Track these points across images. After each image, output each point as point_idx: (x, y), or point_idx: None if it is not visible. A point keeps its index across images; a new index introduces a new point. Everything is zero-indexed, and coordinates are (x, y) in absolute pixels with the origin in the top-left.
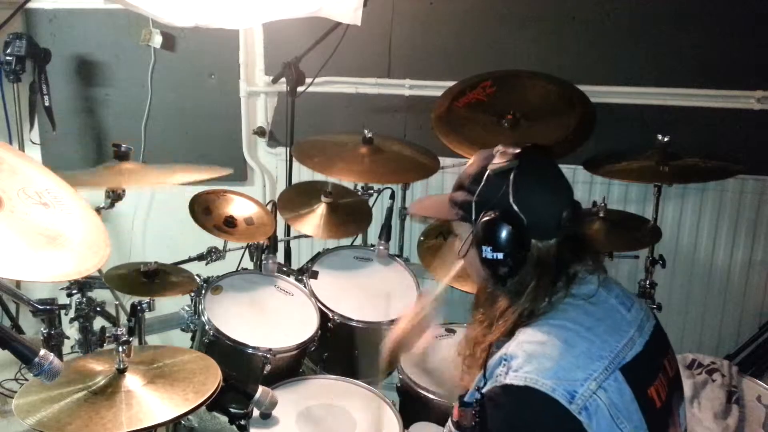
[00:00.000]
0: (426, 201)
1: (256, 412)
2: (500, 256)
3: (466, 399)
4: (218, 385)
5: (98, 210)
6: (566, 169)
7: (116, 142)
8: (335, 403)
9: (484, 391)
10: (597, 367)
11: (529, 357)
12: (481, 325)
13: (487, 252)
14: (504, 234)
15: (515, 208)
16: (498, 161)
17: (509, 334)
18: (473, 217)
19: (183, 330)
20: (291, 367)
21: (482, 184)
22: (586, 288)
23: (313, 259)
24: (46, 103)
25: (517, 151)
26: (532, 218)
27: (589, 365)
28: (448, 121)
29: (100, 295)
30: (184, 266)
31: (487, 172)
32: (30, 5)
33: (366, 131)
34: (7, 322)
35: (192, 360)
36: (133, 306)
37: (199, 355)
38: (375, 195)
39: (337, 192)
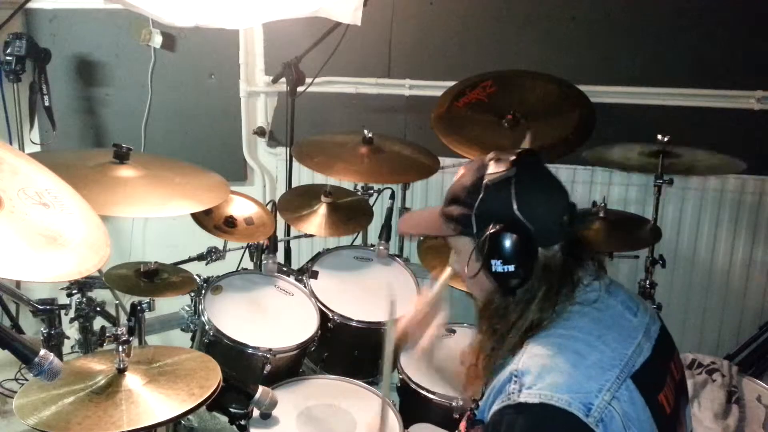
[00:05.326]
0: (415, 217)
1: (256, 412)
2: (511, 268)
3: (475, 416)
4: (219, 382)
5: None
6: (566, 169)
7: (117, 143)
8: (335, 403)
9: (494, 409)
10: (609, 377)
11: (541, 372)
12: (491, 337)
13: (497, 265)
14: (513, 245)
15: (520, 217)
16: (494, 170)
17: (518, 346)
18: (474, 230)
19: (183, 330)
20: (291, 367)
21: (480, 196)
22: (591, 294)
23: (313, 259)
24: (46, 103)
25: (512, 158)
26: (537, 226)
27: (602, 375)
28: (448, 121)
29: (100, 295)
30: (184, 266)
31: (485, 183)
32: (30, 5)
33: (366, 131)
34: (7, 322)
35: (191, 358)
36: (133, 306)
37: (198, 354)
38: (375, 195)
39: (337, 192)
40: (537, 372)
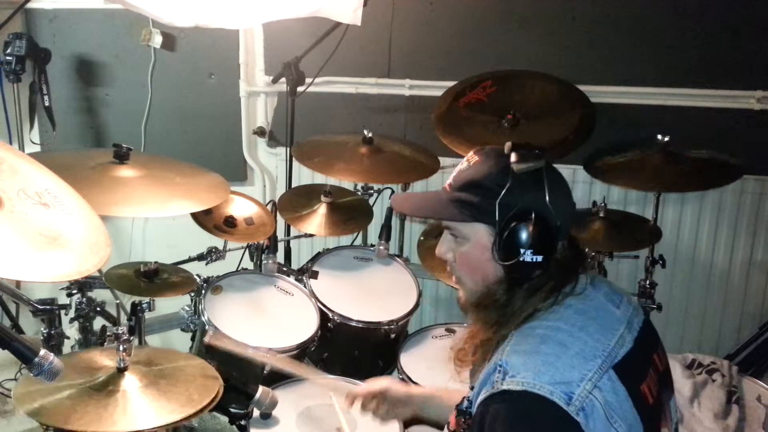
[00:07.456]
0: (414, 199)
1: (256, 413)
2: (539, 258)
3: (462, 407)
4: (219, 389)
5: None
6: (566, 169)
7: (117, 143)
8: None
9: (480, 399)
10: (591, 366)
11: (525, 361)
12: (489, 328)
13: (527, 255)
14: (546, 235)
15: (551, 209)
16: (522, 160)
17: (506, 336)
18: (497, 218)
19: (183, 330)
20: None
21: (508, 184)
22: (577, 287)
23: (313, 259)
24: (46, 103)
25: (537, 150)
26: (561, 219)
27: (584, 365)
28: (448, 121)
29: (100, 295)
30: (184, 266)
31: (513, 171)
32: (30, 5)
33: (366, 131)
34: (7, 322)
35: (191, 365)
36: (133, 306)
37: (200, 361)
38: (375, 195)
39: (337, 192)
40: (521, 362)
